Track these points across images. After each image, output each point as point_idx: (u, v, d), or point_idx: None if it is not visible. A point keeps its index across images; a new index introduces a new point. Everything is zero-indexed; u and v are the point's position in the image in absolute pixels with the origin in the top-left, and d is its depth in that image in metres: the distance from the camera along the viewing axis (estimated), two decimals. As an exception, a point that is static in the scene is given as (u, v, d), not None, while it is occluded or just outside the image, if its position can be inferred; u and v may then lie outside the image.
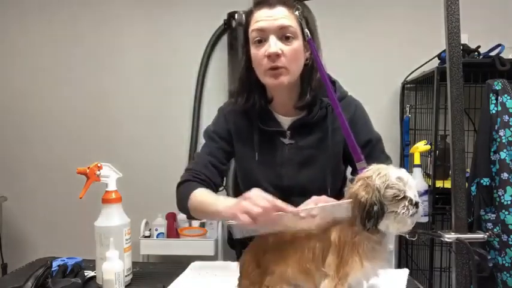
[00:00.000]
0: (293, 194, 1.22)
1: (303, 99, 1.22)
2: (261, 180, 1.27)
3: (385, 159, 1.28)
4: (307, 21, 1.15)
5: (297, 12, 1.14)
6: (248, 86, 1.25)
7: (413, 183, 0.83)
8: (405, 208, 0.81)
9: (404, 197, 0.81)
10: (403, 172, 0.84)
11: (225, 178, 1.34)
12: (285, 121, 1.27)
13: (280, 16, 1.13)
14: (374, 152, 1.25)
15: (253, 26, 1.16)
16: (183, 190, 1.20)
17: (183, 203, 1.19)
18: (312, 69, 1.21)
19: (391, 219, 0.82)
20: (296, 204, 1.05)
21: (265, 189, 1.25)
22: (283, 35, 1.14)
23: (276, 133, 1.26)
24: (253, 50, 1.18)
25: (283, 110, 1.27)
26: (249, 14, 1.20)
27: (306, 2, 1.20)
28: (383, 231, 0.84)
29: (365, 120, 1.29)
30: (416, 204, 0.82)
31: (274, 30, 1.14)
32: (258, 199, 0.92)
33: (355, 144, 1.04)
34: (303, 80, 1.22)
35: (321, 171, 1.24)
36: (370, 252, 0.84)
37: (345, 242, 0.85)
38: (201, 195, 1.16)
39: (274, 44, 1.13)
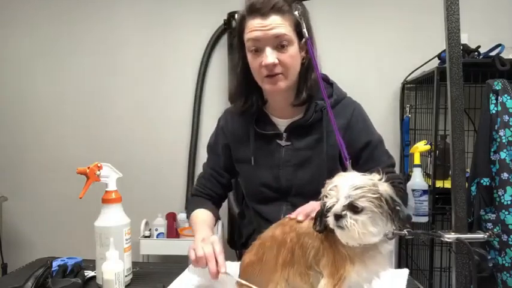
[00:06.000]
0: (290, 195, 1.26)
1: (299, 98, 1.24)
2: (259, 183, 1.30)
3: (387, 159, 1.28)
4: (305, 20, 1.15)
5: (296, 12, 1.14)
6: (246, 88, 1.27)
7: (351, 193, 0.77)
8: (329, 218, 0.79)
9: (331, 207, 0.79)
10: (346, 179, 0.80)
11: (231, 185, 1.43)
12: (281, 123, 1.28)
13: (274, 25, 1.13)
14: (375, 153, 1.25)
15: (248, 35, 1.16)
16: (190, 206, 1.36)
17: (188, 218, 1.35)
18: (308, 68, 1.23)
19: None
20: (294, 205, 1.08)
21: (263, 191, 1.29)
22: (279, 43, 1.14)
23: (272, 136, 1.28)
24: (249, 58, 1.19)
25: (279, 112, 1.29)
26: (242, 19, 1.19)
27: (304, 1, 1.20)
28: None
29: (364, 122, 1.29)
30: (337, 217, 0.77)
31: (269, 40, 1.14)
32: (206, 244, 1.03)
33: (344, 150, 1.06)
34: (300, 78, 1.23)
35: (317, 173, 1.25)
36: (361, 256, 0.82)
37: (333, 243, 0.84)
38: (195, 218, 1.28)
39: (270, 55, 1.14)
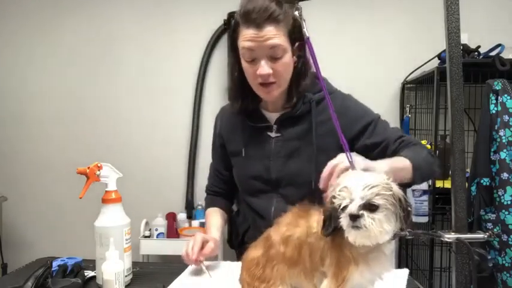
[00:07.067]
0: (281, 186, 1.29)
1: (290, 102, 1.27)
2: (251, 175, 1.33)
3: (397, 131, 1.27)
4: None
5: (296, 12, 1.14)
6: (241, 91, 1.28)
7: (366, 192, 0.75)
8: (343, 219, 0.77)
9: (345, 208, 0.77)
10: (359, 178, 0.78)
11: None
12: (272, 116, 1.31)
13: (269, 36, 1.12)
14: (378, 128, 1.25)
15: (242, 43, 1.16)
16: (205, 205, 1.52)
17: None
18: (300, 73, 1.24)
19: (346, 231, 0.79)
20: (284, 197, 1.23)
21: (254, 183, 1.32)
22: (273, 54, 1.15)
23: (263, 128, 1.31)
24: (244, 64, 1.20)
25: (272, 107, 1.32)
26: (236, 25, 1.18)
27: (304, 1, 1.20)
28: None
29: (357, 107, 1.29)
30: (353, 217, 0.75)
31: (263, 51, 1.14)
32: (190, 243, 1.22)
33: (345, 142, 1.05)
34: (291, 83, 1.25)
35: (306, 163, 1.26)
36: (364, 257, 0.81)
37: (337, 244, 0.83)
38: (207, 216, 1.45)
39: (264, 66, 1.15)
